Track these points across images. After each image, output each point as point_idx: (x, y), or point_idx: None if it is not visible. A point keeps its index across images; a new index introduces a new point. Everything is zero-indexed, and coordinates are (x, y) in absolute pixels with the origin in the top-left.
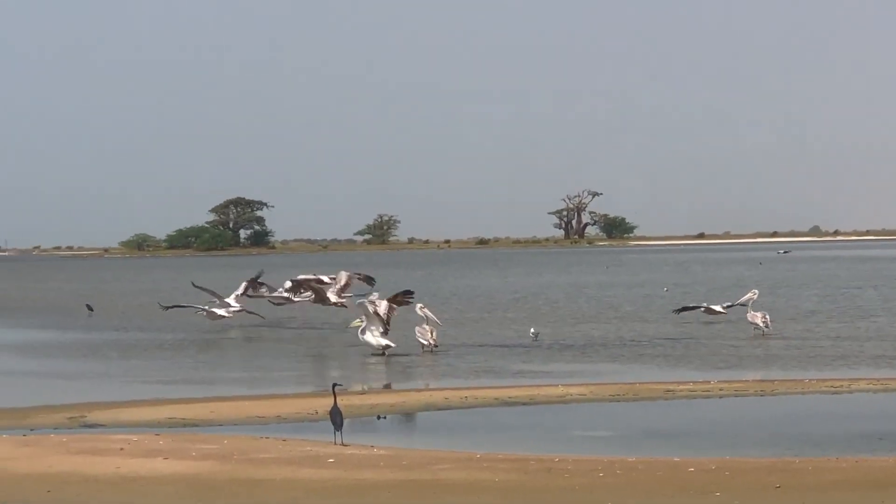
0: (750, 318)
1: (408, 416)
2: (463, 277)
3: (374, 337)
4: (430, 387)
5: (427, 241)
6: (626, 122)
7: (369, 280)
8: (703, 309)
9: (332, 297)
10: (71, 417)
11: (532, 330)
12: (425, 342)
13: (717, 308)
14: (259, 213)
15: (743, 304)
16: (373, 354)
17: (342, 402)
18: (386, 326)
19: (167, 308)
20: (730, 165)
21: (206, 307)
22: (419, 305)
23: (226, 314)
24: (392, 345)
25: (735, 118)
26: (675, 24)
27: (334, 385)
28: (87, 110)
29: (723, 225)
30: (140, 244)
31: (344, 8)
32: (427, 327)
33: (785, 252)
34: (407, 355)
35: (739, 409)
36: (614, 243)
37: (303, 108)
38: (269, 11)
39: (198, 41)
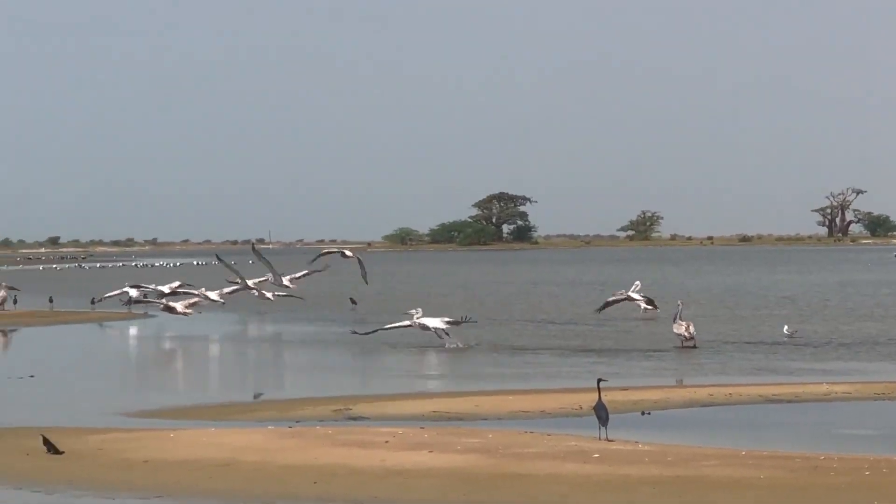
0: None
1: (672, 412)
2: (732, 274)
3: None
4: (694, 383)
5: (689, 238)
6: (891, 118)
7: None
8: (625, 298)
9: (180, 308)
10: (336, 410)
11: (786, 328)
12: (685, 335)
13: (636, 296)
14: (522, 208)
15: None
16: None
17: (605, 397)
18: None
19: (95, 301)
20: None
21: (164, 301)
22: (679, 301)
23: (181, 309)
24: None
25: None
26: None
27: (599, 380)
28: (349, 108)
29: None
30: (403, 238)
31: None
32: (683, 323)
33: None
34: (666, 351)
35: None
36: (878, 241)
37: (562, 105)
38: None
39: (462, 49)
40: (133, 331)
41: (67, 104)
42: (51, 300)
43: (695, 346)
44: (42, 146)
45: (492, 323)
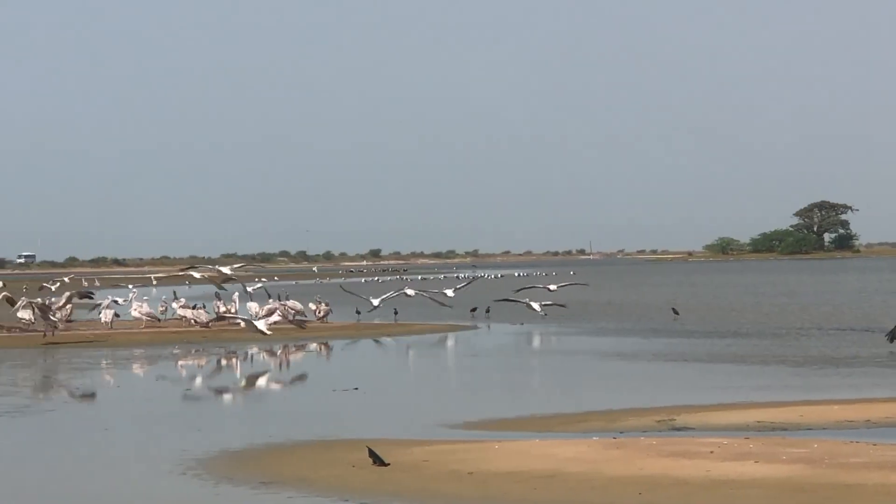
0: None
1: None
2: None
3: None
4: None
5: None
6: None
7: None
8: (525, 304)
9: (57, 315)
10: (660, 420)
11: None
12: None
13: (536, 307)
14: (843, 216)
15: None
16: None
17: None
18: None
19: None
20: None
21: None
22: None
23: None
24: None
25: None
26: None
27: None
28: (662, 116)
29: None
30: (724, 248)
31: None
32: None
33: None
34: None
35: None
36: None
37: (885, 112)
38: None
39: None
40: (448, 343)
41: (388, 125)
42: (357, 312)
43: None
44: (365, 163)
45: (821, 332)
